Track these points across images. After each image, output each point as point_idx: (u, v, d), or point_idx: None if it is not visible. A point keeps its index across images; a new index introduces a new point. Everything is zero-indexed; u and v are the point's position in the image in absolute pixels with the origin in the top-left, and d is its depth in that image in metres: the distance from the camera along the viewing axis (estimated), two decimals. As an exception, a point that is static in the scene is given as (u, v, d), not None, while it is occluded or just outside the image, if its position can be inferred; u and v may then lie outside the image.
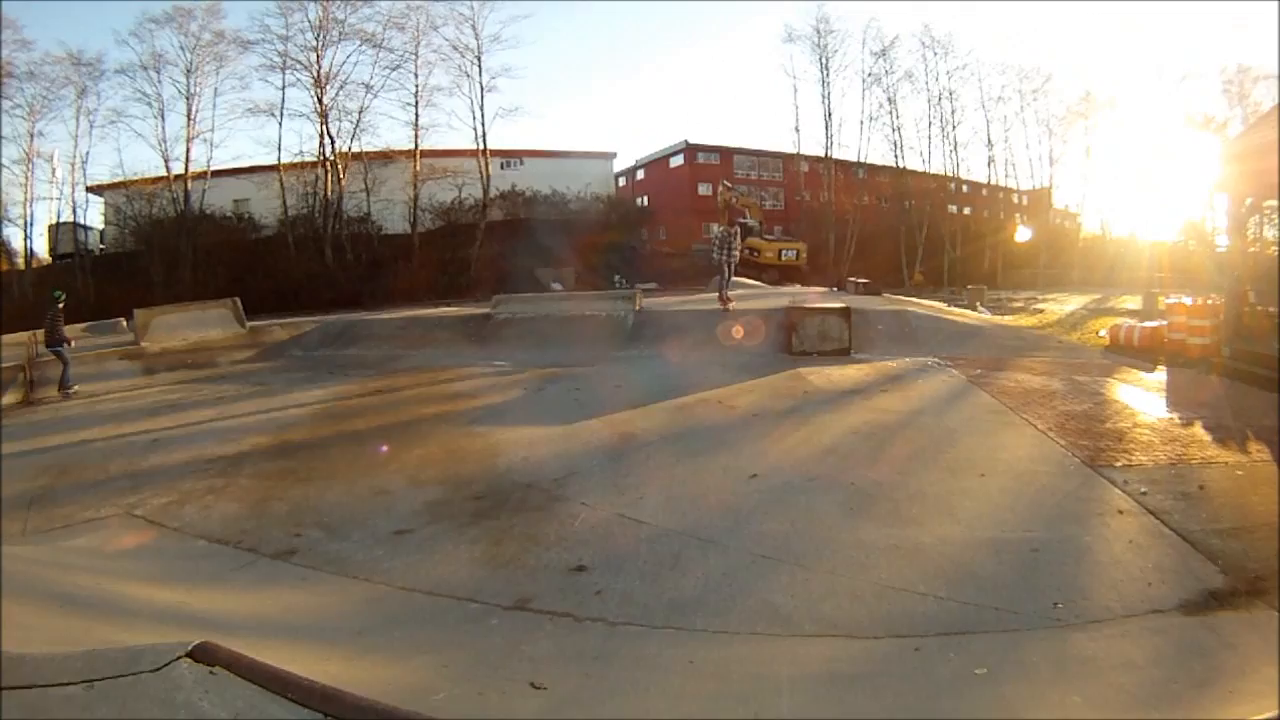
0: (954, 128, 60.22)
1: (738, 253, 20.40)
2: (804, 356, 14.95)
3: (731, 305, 19.13)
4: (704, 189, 56.97)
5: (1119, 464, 7.65)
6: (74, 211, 49.27)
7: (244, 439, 10.06)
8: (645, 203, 64.46)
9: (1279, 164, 12.46)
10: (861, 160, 59.67)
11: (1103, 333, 18.59)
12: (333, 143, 49.67)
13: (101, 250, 50.16)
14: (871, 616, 4.83)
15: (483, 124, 51.82)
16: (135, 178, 48.43)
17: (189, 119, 48.90)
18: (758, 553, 5.86)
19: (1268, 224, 18.38)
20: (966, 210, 61.43)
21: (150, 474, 8.75)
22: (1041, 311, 29.57)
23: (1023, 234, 58.67)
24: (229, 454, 9.36)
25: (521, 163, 56.55)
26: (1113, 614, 4.73)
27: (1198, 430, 9.00)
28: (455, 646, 4.53)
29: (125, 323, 22.34)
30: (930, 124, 60.21)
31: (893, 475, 7.55)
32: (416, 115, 50.97)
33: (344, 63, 50.26)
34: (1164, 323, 15.93)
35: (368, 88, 50.34)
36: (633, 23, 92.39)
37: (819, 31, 58.44)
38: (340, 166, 49.47)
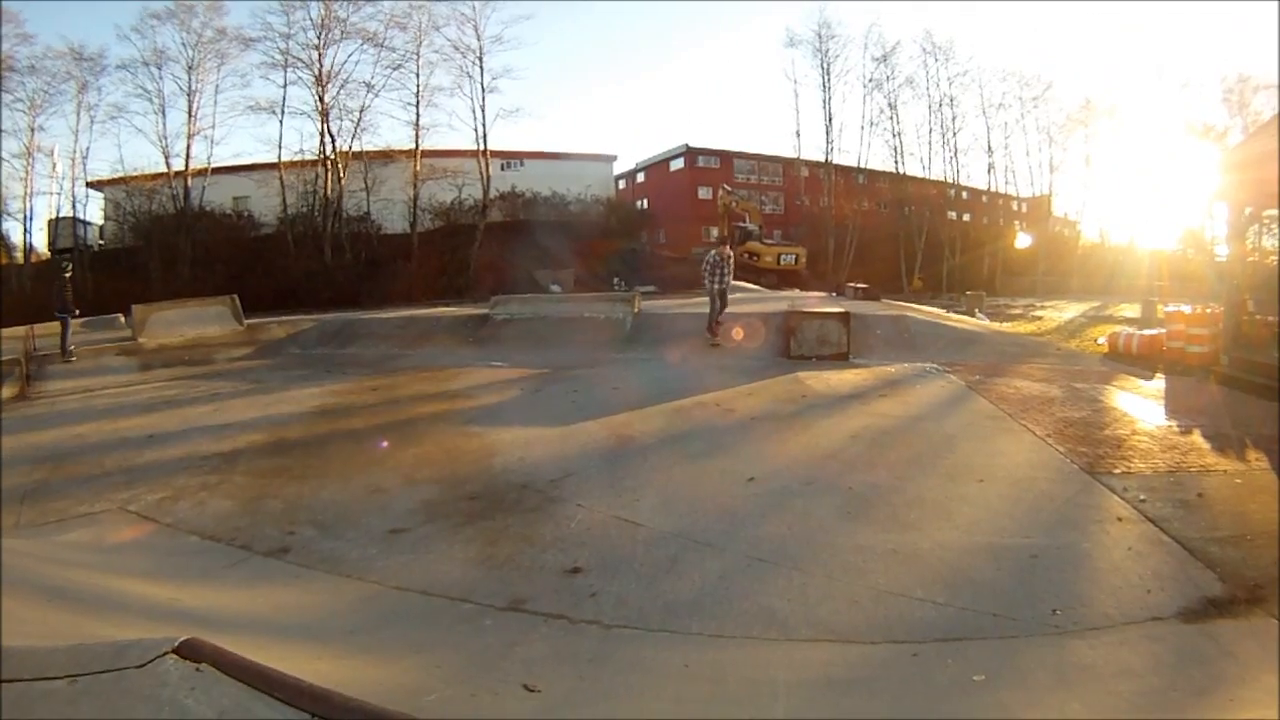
0: (954, 134, 60.36)
1: (730, 279, 17.61)
2: (802, 361, 14.92)
3: (719, 342, 16.96)
4: (704, 193, 57.13)
5: (1118, 471, 7.64)
6: (74, 206, 49.23)
7: (239, 436, 10.03)
8: (645, 206, 64.56)
9: (1279, 173, 12.46)
10: (862, 165, 59.78)
11: (1101, 340, 18.60)
12: (333, 141, 49.65)
13: (101, 245, 50.09)
14: (869, 621, 4.80)
15: (483, 124, 51.78)
16: (135, 174, 48.43)
17: (190, 115, 48.86)
18: (754, 556, 5.83)
19: (1267, 233, 18.35)
20: (966, 217, 61.55)
21: (145, 469, 8.70)
22: (1040, 318, 29.60)
23: (1022, 240, 58.76)
24: (224, 451, 9.32)
25: (522, 164, 56.60)
26: (1112, 621, 4.70)
27: (1196, 438, 8.99)
28: (448, 647, 4.49)
29: (123, 318, 22.26)
30: (931, 130, 60.38)
31: (891, 480, 7.52)
32: (417, 115, 50.95)
33: (345, 61, 50.24)
34: (1163, 331, 15.94)
35: (369, 87, 50.32)
36: (634, 25, 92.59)
37: (820, 36, 58.57)
38: (340, 165, 49.45)
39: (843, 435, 9.40)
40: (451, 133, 67.68)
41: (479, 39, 51.37)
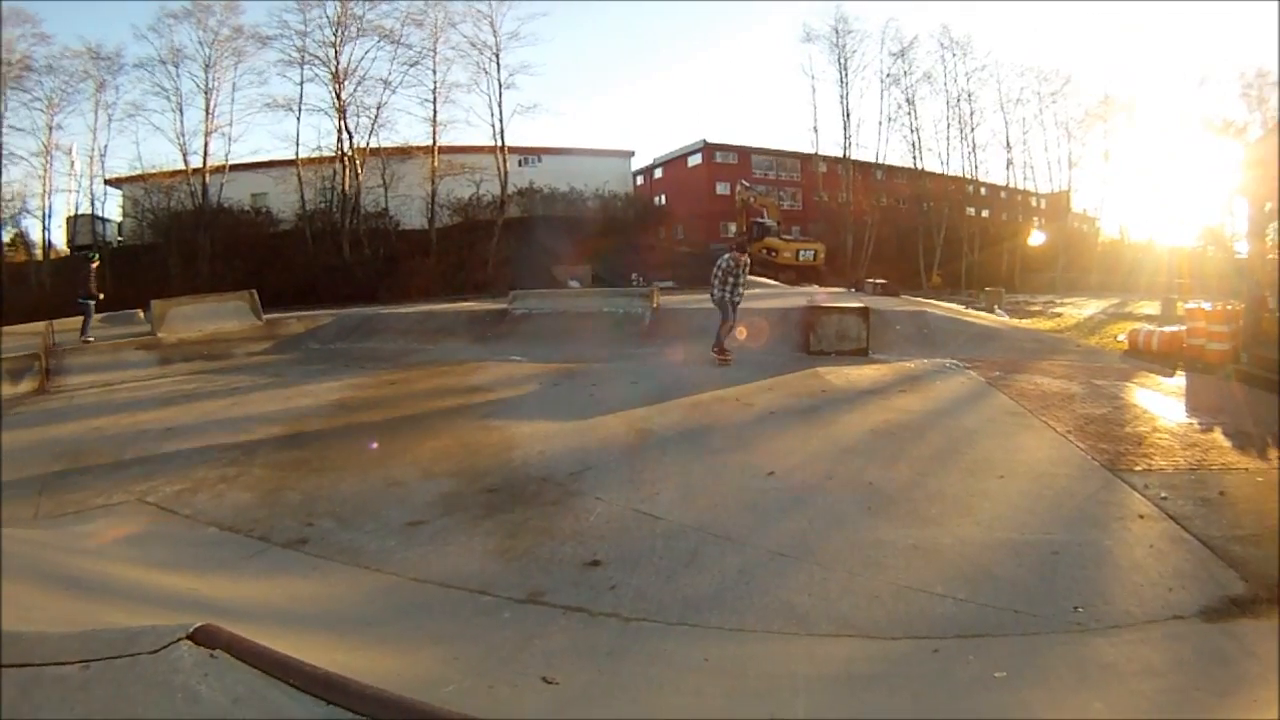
0: (972, 129, 60.00)
1: (743, 290, 14.80)
2: (822, 356, 14.89)
3: (732, 358, 14.49)
4: (722, 188, 57.09)
5: (1139, 468, 7.57)
6: (92, 204, 49.58)
7: (258, 429, 10.04)
8: (663, 201, 64.52)
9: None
10: (880, 161, 59.52)
11: (1121, 337, 18.50)
12: (351, 138, 49.78)
13: (119, 242, 50.41)
14: (890, 617, 4.76)
15: (501, 120, 51.86)
16: (153, 171, 48.71)
17: (207, 113, 49.08)
18: (775, 551, 5.79)
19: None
20: (985, 213, 61.23)
21: (163, 461, 8.72)
22: (1060, 315, 29.45)
23: (1036, 238, 58.47)
24: (242, 443, 9.33)
25: (539, 160, 56.66)
26: (1133, 619, 4.65)
27: (1217, 436, 8.90)
28: (466, 639, 4.47)
29: (142, 314, 22.41)
30: (949, 125, 60.05)
31: (912, 475, 7.48)
32: (435, 111, 51.05)
33: (362, 58, 50.39)
34: (1183, 328, 15.83)
35: (386, 83, 50.42)
36: (651, 21, 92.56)
37: (837, 31, 58.35)
38: (358, 162, 49.57)
39: (863, 430, 9.35)
40: (469, 129, 68.11)
41: (495, 35, 51.45)
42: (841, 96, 59.04)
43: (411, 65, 50.83)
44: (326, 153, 49.94)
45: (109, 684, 1.55)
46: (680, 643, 4.48)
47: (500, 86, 51.80)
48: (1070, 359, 15.10)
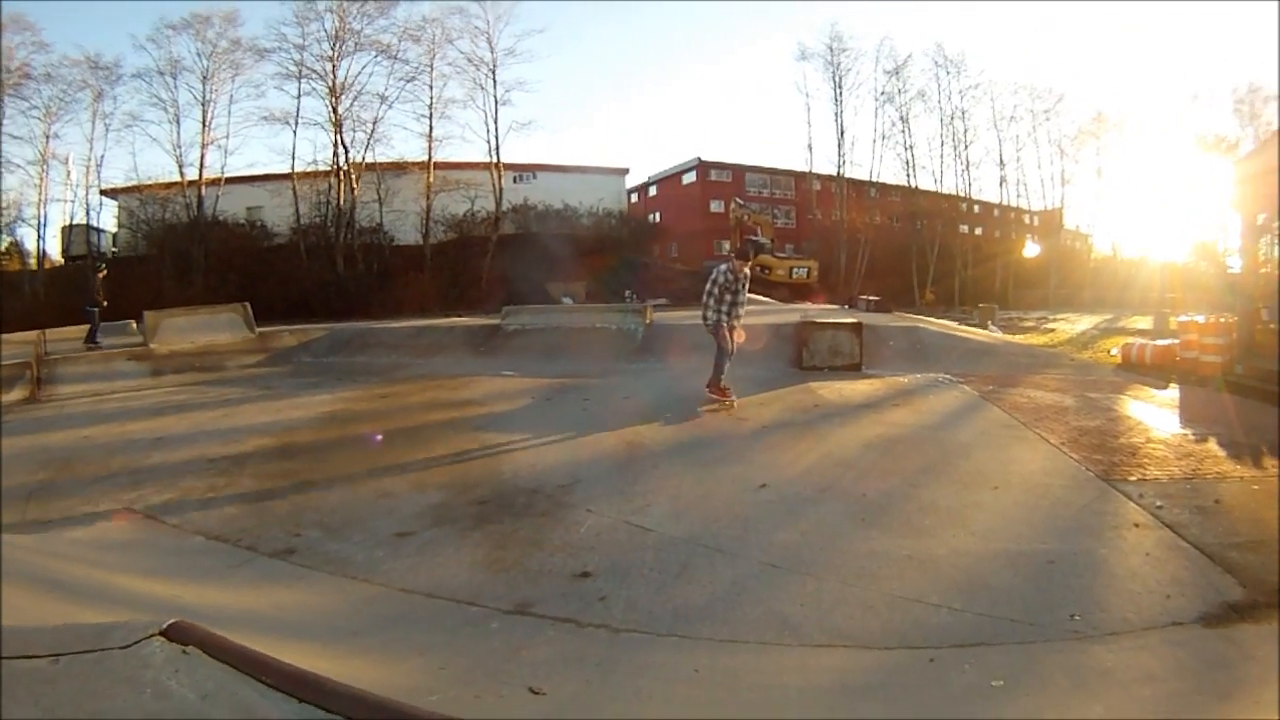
0: (966, 147, 60.52)
1: (743, 310, 11.99)
2: (815, 371, 14.87)
3: (733, 399, 11.57)
4: (716, 206, 57.33)
5: (1133, 478, 7.55)
6: (87, 214, 49.69)
7: (247, 440, 10.00)
8: (657, 219, 64.77)
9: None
10: (874, 179, 59.87)
11: (1115, 351, 18.49)
12: (346, 152, 50.00)
13: (114, 253, 50.41)
14: (884, 627, 4.71)
15: (496, 137, 52.14)
16: (149, 182, 48.92)
17: (204, 125, 49.34)
18: (767, 562, 5.74)
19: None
20: (978, 230, 61.58)
21: (151, 471, 8.67)
22: (1053, 331, 29.52)
23: (1031, 249, 58.83)
24: (232, 454, 9.28)
25: (534, 177, 56.82)
26: (1131, 626, 4.61)
27: (1212, 446, 8.90)
28: (453, 649, 4.41)
29: (135, 325, 22.41)
30: (942, 143, 60.57)
31: (905, 487, 7.44)
32: (431, 127, 51.32)
33: (359, 73, 50.71)
34: (1176, 341, 15.85)
35: (382, 98, 50.70)
36: (647, 40, 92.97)
37: (832, 50, 58.93)
38: (354, 176, 49.75)
39: (856, 444, 9.32)
40: (464, 145, 68.42)
41: (492, 52, 51.84)
42: (836, 114, 59.58)
43: (408, 80, 51.14)
44: (322, 167, 50.17)
45: (77, 678, 1.51)
46: (670, 654, 4.42)
47: (496, 103, 52.15)
48: (1063, 373, 15.10)
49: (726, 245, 52.51)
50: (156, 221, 48.93)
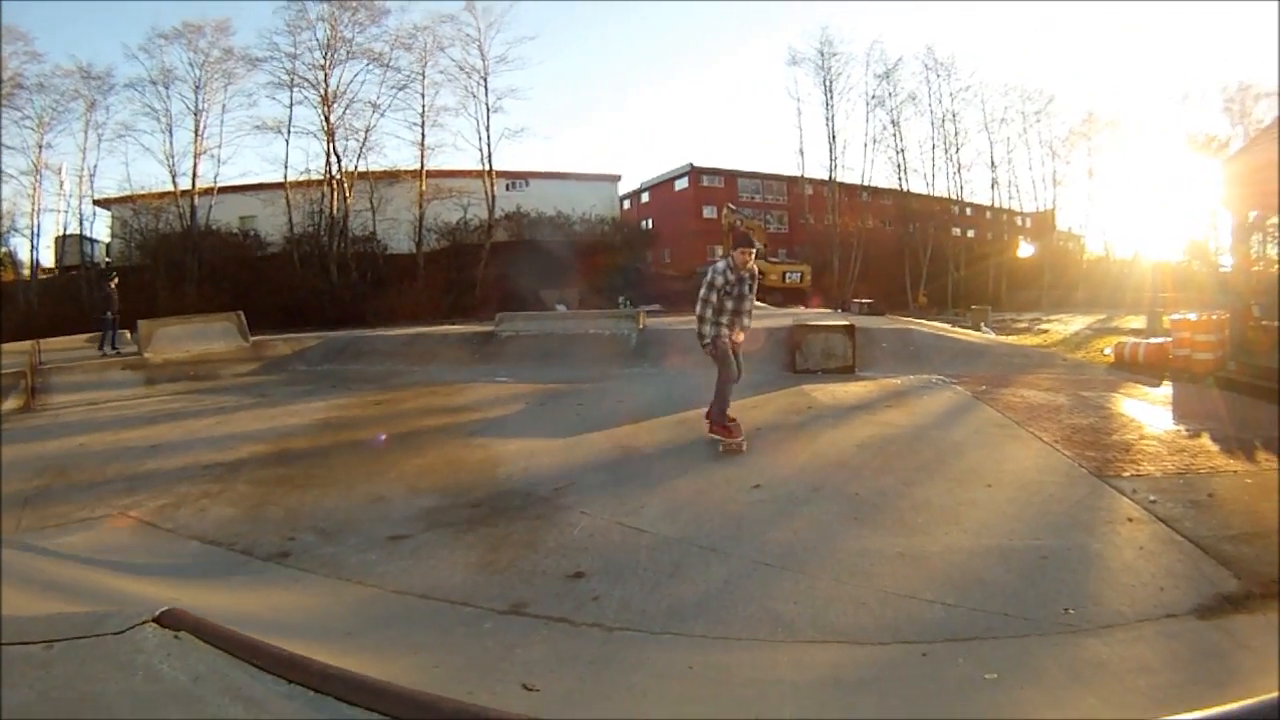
0: (957, 150, 60.71)
1: (749, 319, 9.39)
2: (808, 374, 14.85)
3: (740, 438, 9.01)
4: (709, 212, 57.39)
5: (1127, 474, 7.57)
6: (81, 224, 49.73)
7: (242, 447, 10.01)
8: (650, 225, 64.81)
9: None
10: (866, 183, 59.97)
11: (1108, 350, 18.54)
12: (339, 161, 50.09)
13: (107, 263, 50.35)
14: (877, 623, 4.72)
15: (488, 145, 52.28)
16: (142, 192, 48.99)
17: (196, 135, 49.40)
18: (760, 561, 5.76)
19: (1271, 240, 18.35)
20: (970, 233, 61.70)
21: (147, 478, 8.69)
22: (1046, 331, 29.64)
23: (1025, 250, 59.00)
24: (226, 460, 9.30)
25: (527, 184, 56.88)
26: (1125, 619, 4.63)
27: (1205, 441, 8.92)
28: (446, 648, 4.42)
29: (129, 334, 22.42)
30: (934, 146, 60.77)
31: (898, 486, 7.46)
32: (423, 135, 51.46)
33: (351, 81, 50.82)
34: (1169, 339, 15.90)
35: (374, 107, 50.84)
36: (638, 46, 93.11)
37: (823, 54, 59.09)
38: (346, 185, 49.82)
39: (849, 444, 9.32)
40: (457, 153, 68.56)
41: (484, 59, 52.02)
42: (827, 119, 59.72)
43: (400, 89, 51.28)
44: (315, 176, 50.22)
45: (71, 662, 1.53)
46: (664, 651, 4.43)
47: (488, 110, 52.26)
48: (1056, 373, 15.13)
49: (719, 250, 52.68)
50: (150, 231, 48.97)
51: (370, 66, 51.10)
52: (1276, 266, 18.16)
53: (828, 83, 59.28)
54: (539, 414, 12.08)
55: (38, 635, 1.63)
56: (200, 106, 49.42)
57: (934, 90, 60.57)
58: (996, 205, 62.73)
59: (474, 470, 8.64)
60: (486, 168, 52.33)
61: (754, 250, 9.26)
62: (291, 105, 50.28)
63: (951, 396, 12.22)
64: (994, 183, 61.90)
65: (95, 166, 49.63)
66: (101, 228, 51.94)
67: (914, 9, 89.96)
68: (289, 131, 50.20)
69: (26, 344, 20.02)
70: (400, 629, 4.74)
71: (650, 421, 10.75)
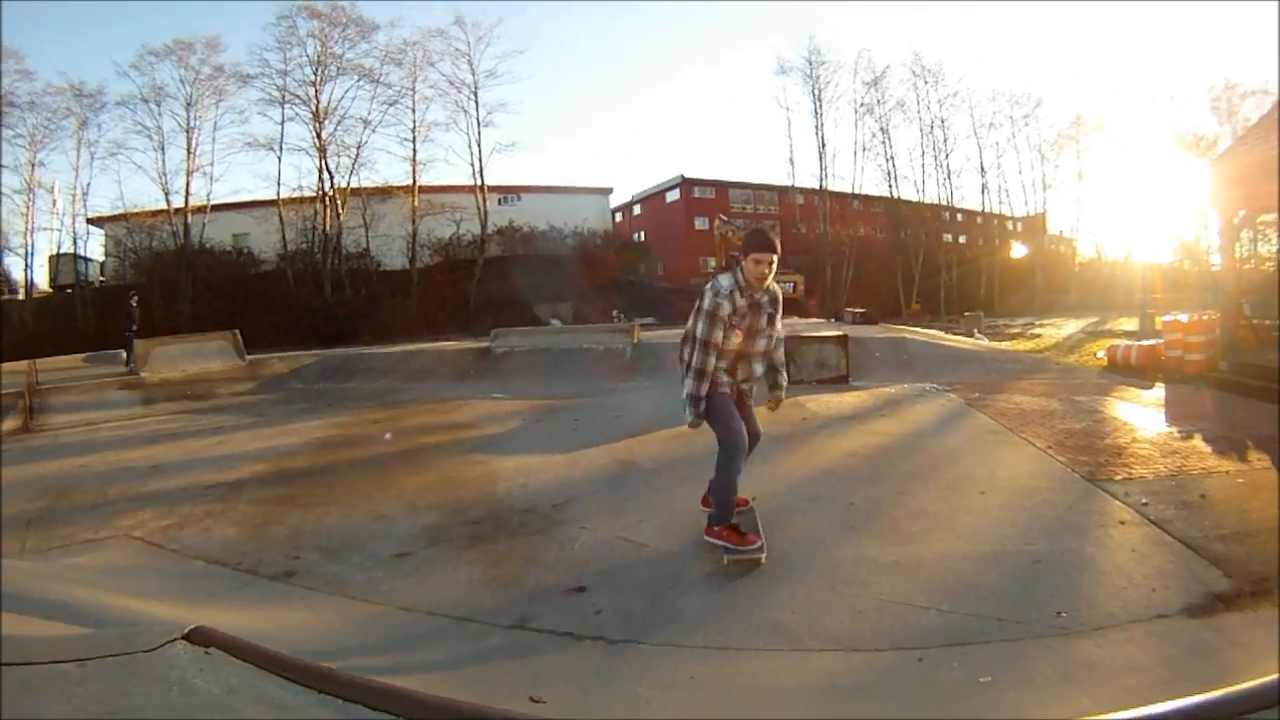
0: (947, 156, 60.97)
1: (769, 345, 6.29)
2: (802, 385, 14.93)
3: (761, 549, 6.05)
4: (700, 223, 57.48)
5: (1119, 477, 7.67)
6: (74, 243, 49.84)
7: (242, 466, 10.07)
8: (643, 238, 64.88)
9: (1274, 179, 12.64)
10: (856, 191, 60.13)
11: (1100, 354, 18.66)
12: (331, 178, 50.25)
13: (101, 282, 50.46)
14: (873, 629, 4.81)
15: (480, 159, 52.47)
16: (135, 210, 49.11)
17: (189, 152, 49.54)
18: (757, 571, 5.84)
19: (1261, 239, 18.51)
20: (961, 239, 61.89)
21: (149, 498, 8.74)
22: (1039, 336, 29.76)
23: (1018, 250, 59.19)
24: (227, 480, 9.35)
25: (519, 198, 57.00)
26: (1117, 620, 4.71)
27: (1197, 442, 9.05)
28: (455, 664, 4.53)
29: (125, 354, 22.50)
30: (923, 153, 61.00)
31: (893, 494, 7.53)
32: (414, 150, 51.59)
33: (342, 98, 50.94)
34: (1160, 341, 16.01)
35: (366, 123, 51.03)
36: (627, 58, 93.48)
37: (811, 63, 59.40)
38: (339, 202, 49.92)
39: (843, 453, 9.41)
40: (448, 168, 68.50)
41: (474, 74, 52.24)
42: (816, 127, 59.96)
43: (391, 104, 51.47)
44: (307, 193, 50.35)
45: (106, 679, 1.61)
46: (665, 661, 4.51)
47: (479, 125, 52.42)
48: (1049, 377, 15.25)
49: (712, 262, 52.70)
50: (144, 250, 49.06)
51: (361, 82, 51.34)
52: (1270, 264, 18.32)
53: (816, 91, 59.60)
54: (536, 430, 12.14)
55: (68, 654, 1.71)
56: (192, 124, 49.59)
57: (922, 97, 60.93)
58: (987, 210, 63.00)
59: (473, 487, 8.69)
60: (479, 182, 52.50)
61: (773, 258, 5.86)
62: (283, 122, 50.46)
63: (945, 404, 12.32)
64: (984, 188, 62.24)
65: (88, 185, 49.56)
66: (95, 246, 52.04)
67: (901, 16, 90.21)
68: (281, 148, 50.36)
69: (23, 364, 20.09)
70: (408, 645, 4.82)
71: (647, 436, 10.78)
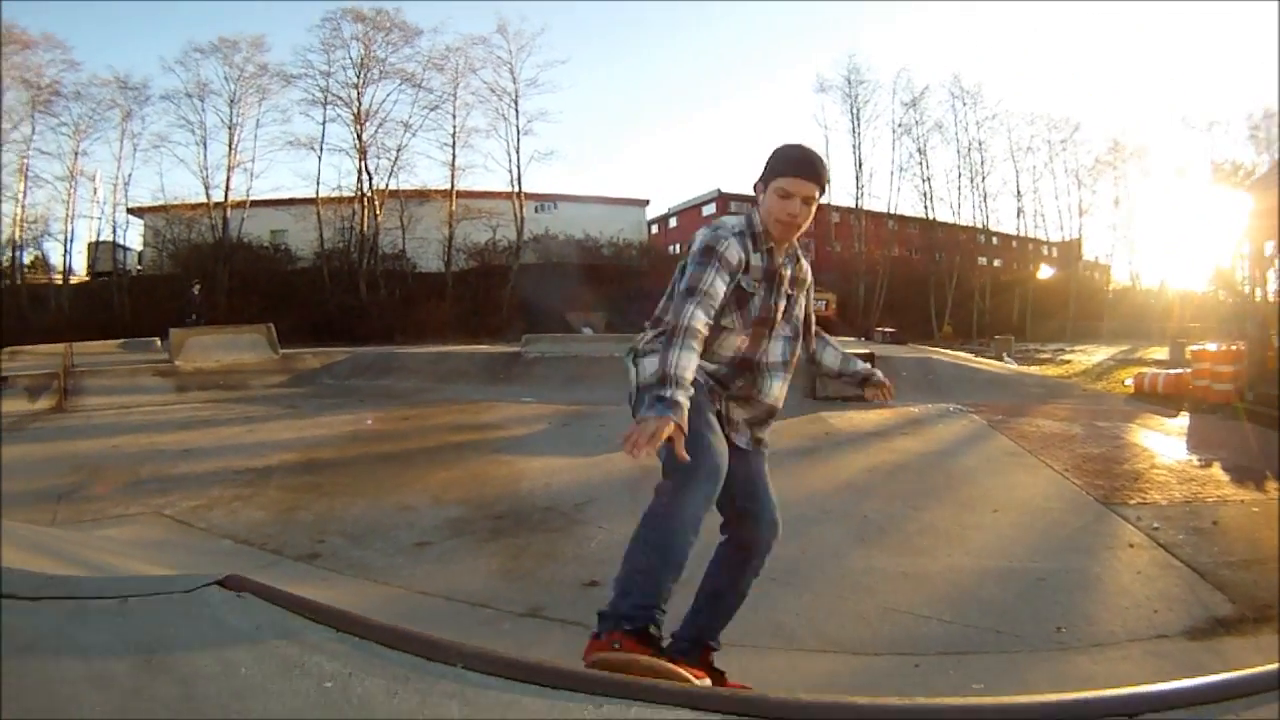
0: (983, 178, 60.41)
1: (794, 349, 3.71)
2: (827, 402, 15.00)
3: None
4: (735, 242, 57.17)
5: (1133, 502, 7.73)
6: (114, 231, 50.35)
7: (272, 455, 10.30)
8: (678, 250, 64.83)
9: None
10: (892, 211, 59.88)
11: (1128, 381, 18.61)
12: (370, 179, 50.62)
13: (139, 271, 51.10)
14: (874, 635, 4.92)
15: (518, 167, 52.70)
16: (175, 203, 49.56)
17: (230, 148, 50.00)
18: (767, 577, 5.83)
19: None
20: (996, 262, 61.42)
21: (179, 480, 8.98)
22: (1068, 362, 29.60)
23: (1045, 271, 58.77)
24: (257, 467, 9.59)
25: (555, 206, 57.09)
26: (1115, 639, 4.79)
27: (1215, 471, 9.09)
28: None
29: (159, 342, 22.89)
30: (960, 175, 60.41)
31: (906, 509, 7.64)
32: (454, 155, 51.88)
33: (384, 101, 51.36)
34: (1188, 369, 15.97)
35: (406, 126, 51.33)
36: (668, 71, 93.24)
37: (850, 82, 59.08)
38: (377, 203, 50.30)
39: (862, 469, 9.52)
40: (486, 174, 68.83)
41: (515, 82, 52.45)
42: (854, 146, 59.75)
43: (432, 109, 51.76)
44: (346, 193, 50.72)
45: (146, 614, 1.77)
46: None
47: (518, 133, 52.66)
48: (1074, 403, 15.30)
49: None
50: (182, 241, 49.62)
51: (403, 86, 51.68)
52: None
53: (854, 110, 59.37)
54: (562, 434, 12.29)
55: (110, 592, 1.90)
56: (234, 120, 50.09)
57: (960, 119, 60.46)
58: (1022, 234, 62.58)
59: (498, 485, 8.85)
60: (516, 189, 52.80)
61: (811, 189, 3.43)
62: (324, 122, 50.90)
63: (967, 425, 12.39)
64: (1019, 211, 61.71)
65: (130, 175, 50.14)
66: (134, 236, 52.73)
67: (941, 37, 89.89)
68: (321, 148, 50.82)
69: (60, 346, 20.52)
70: (423, 625, 4.91)
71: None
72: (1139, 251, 65.52)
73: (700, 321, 3.16)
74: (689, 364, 3.05)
